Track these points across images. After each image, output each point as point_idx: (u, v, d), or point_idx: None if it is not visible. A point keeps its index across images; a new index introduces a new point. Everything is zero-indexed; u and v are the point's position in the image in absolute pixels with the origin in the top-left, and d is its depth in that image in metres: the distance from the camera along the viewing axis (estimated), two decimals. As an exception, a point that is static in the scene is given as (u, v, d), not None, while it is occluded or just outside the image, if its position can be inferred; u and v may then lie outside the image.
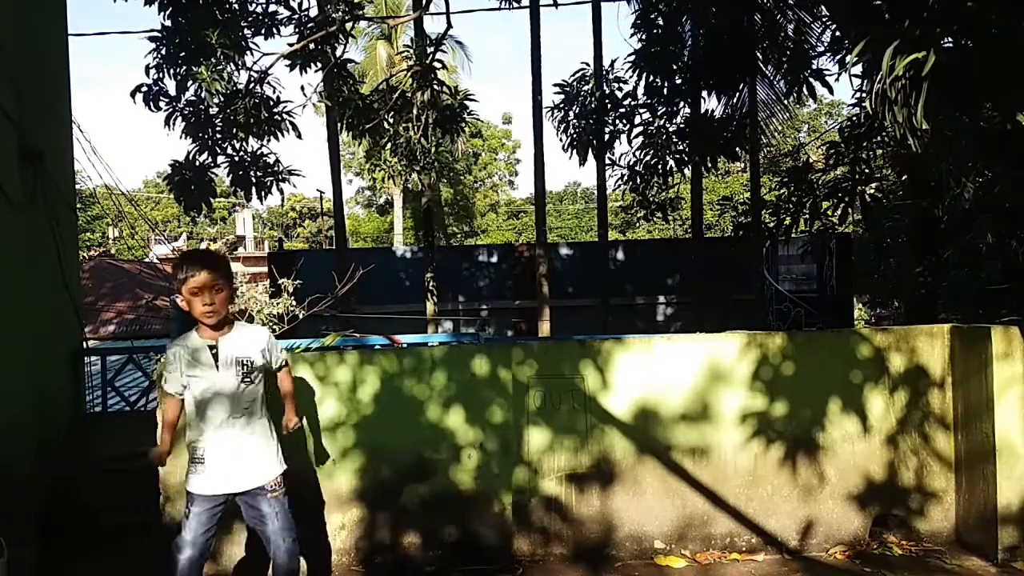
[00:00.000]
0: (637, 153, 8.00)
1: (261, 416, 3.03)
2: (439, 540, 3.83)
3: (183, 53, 6.27)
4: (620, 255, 18.94)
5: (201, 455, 2.92)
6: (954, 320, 4.79)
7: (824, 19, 7.83)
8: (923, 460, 3.96)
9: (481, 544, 3.84)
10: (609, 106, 7.68)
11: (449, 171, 35.03)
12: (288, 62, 6.74)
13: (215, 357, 2.90)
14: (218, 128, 6.90)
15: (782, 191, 7.45)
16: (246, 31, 6.62)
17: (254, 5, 6.80)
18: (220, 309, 2.87)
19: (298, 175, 7.54)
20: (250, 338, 3.01)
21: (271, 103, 6.98)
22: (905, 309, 11.79)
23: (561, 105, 7.88)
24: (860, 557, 3.81)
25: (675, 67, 7.43)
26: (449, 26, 7.93)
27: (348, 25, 6.95)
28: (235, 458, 2.93)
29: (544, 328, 14.05)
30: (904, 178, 9.39)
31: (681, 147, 7.83)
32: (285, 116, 7.02)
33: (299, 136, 7.15)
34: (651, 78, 7.36)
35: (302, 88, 9.41)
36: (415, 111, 7.73)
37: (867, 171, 6.76)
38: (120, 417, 5.39)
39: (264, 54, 6.89)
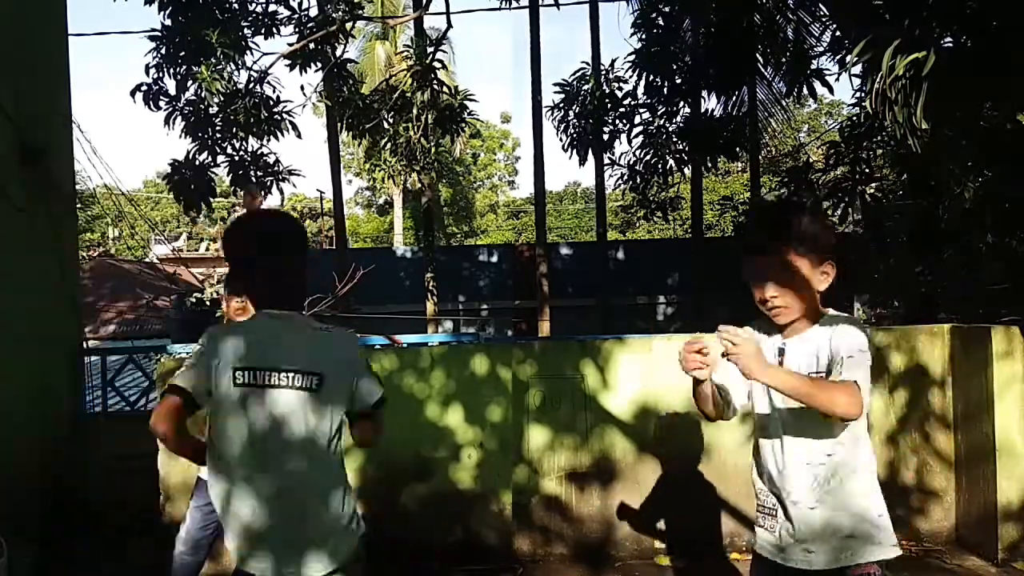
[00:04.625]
0: (637, 152, 8.01)
1: None
2: (439, 540, 3.82)
3: (183, 52, 6.28)
4: (620, 255, 18.93)
5: None
6: (954, 320, 4.78)
7: (824, 19, 7.83)
8: (923, 459, 3.96)
9: (482, 543, 3.84)
10: (609, 106, 7.69)
11: (449, 171, 35.01)
12: (288, 62, 6.74)
13: None
14: (218, 127, 6.90)
15: (782, 191, 7.46)
16: (246, 31, 6.63)
17: (254, 5, 6.81)
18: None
19: (298, 175, 7.54)
20: None
21: (271, 103, 6.98)
22: (905, 309, 11.78)
23: (561, 105, 7.89)
24: (860, 557, 3.80)
25: (675, 67, 7.45)
26: (449, 26, 7.93)
27: (348, 25, 6.96)
28: None
29: (544, 328, 14.02)
30: (904, 178, 9.38)
31: (681, 147, 7.85)
32: (285, 116, 7.02)
33: (299, 136, 7.15)
34: (651, 78, 7.38)
35: (302, 88, 9.42)
36: (415, 111, 7.73)
37: (867, 171, 6.77)
38: (120, 417, 5.38)
39: (264, 54, 6.91)
